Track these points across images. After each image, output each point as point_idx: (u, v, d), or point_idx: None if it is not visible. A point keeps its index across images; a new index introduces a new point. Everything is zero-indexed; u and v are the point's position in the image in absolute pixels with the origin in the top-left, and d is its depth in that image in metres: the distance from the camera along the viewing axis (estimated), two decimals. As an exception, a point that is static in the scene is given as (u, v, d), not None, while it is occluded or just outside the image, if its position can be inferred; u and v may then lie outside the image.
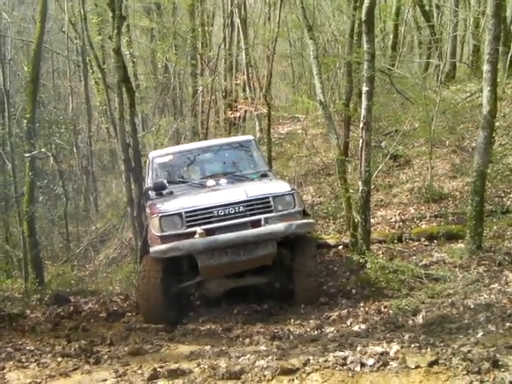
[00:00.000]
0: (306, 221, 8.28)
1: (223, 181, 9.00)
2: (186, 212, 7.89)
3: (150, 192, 9.20)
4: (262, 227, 7.80)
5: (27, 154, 12.05)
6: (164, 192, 8.89)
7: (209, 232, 7.76)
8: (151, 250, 8.01)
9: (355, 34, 13.28)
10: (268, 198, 8.03)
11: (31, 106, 12.58)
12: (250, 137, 10.76)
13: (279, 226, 7.80)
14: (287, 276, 8.28)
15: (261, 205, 7.99)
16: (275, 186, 8.41)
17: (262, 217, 7.89)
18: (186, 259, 8.09)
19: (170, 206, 8.12)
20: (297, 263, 8.18)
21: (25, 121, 12.60)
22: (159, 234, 7.90)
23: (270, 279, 8.40)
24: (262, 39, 19.01)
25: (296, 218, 8.07)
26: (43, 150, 13.02)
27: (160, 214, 7.95)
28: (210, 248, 7.65)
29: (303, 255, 8.20)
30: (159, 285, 7.89)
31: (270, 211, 7.98)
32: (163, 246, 7.77)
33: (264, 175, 9.26)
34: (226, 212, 7.89)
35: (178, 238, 7.75)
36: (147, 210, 8.83)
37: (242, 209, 7.92)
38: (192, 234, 7.74)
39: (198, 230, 7.72)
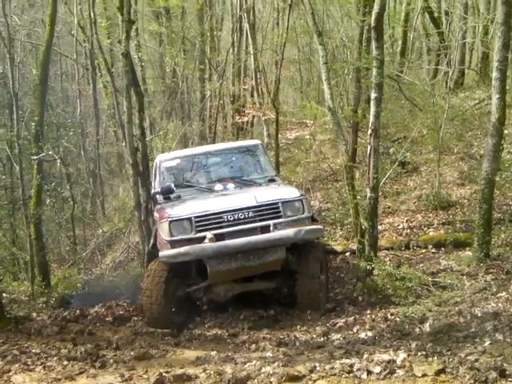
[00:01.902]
0: (314, 227, 8.30)
1: (231, 185, 9.00)
2: (196, 217, 7.91)
3: (157, 196, 9.20)
4: (271, 233, 7.81)
5: (35, 157, 12.02)
6: (171, 196, 8.90)
7: (218, 237, 7.77)
8: (161, 254, 8.02)
9: (364, 40, 13.29)
10: (277, 203, 8.05)
11: (39, 108, 12.56)
12: (257, 141, 10.74)
13: (288, 232, 7.81)
14: (294, 281, 8.25)
15: (270, 210, 8.02)
16: (284, 192, 8.42)
17: (271, 222, 7.91)
18: (193, 264, 8.10)
19: (179, 210, 8.13)
20: (300, 266, 8.20)
21: (33, 123, 12.58)
22: (169, 239, 7.92)
23: (278, 284, 8.41)
24: (270, 44, 19.01)
25: (305, 224, 8.09)
26: (50, 152, 12.98)
27: (169, 219, 7.97)
28: (220, 253, 7.66)
29: (307, 258, 8.21)
30: (162, 283, 7.91)
31: (279, 217, 8.00)
32: (173, 251, 7.79)
33: (271, 180, 9.29)
34: (236, 217, 7.90)
35: (188, 243, 7.76)
36: (155, 215, 8.84)
37: (251, 214, 7.93)
38: (201, 239, 7.75)
39: (208, 234, 7.74)
